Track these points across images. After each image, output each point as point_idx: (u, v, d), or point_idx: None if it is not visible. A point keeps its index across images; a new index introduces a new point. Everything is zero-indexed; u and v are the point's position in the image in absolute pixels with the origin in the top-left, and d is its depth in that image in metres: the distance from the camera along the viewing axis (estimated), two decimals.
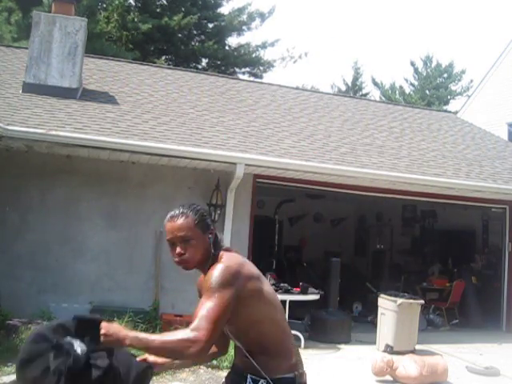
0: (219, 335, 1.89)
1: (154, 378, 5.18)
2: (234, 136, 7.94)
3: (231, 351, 2.22)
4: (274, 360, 2.01)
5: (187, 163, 7.27)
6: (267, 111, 10.01)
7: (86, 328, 1.73)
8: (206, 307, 1.82)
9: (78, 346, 1.71)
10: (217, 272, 1.89)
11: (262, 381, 2.01)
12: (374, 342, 7.14)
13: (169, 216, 2.04)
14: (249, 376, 2.02)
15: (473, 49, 49.23)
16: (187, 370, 5.49)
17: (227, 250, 2.07)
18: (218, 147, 7.21)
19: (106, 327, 1.73)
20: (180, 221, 2.00)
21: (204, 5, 22.11)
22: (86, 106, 7.81)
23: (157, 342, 1.75)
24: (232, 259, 1.97)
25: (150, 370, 1.97)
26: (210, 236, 2.04)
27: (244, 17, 23.06)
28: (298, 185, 8.16)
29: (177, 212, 2.03)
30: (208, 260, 2.01)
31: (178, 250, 1.99)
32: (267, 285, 2.07)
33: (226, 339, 2.16)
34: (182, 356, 1.84)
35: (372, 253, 13.14)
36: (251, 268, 2.02)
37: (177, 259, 2.01)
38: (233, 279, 1.88)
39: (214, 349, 2.12)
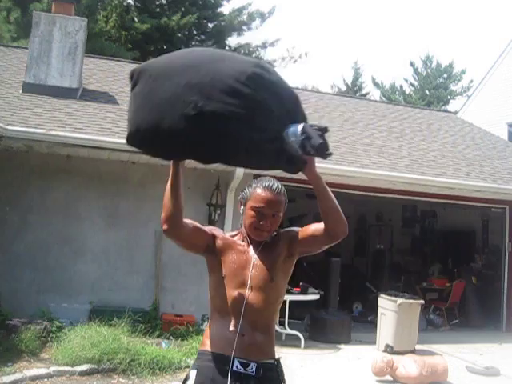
0: None
1: (154, 377, 5.16)
2: None
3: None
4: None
5: (187, 163, 7.23)
6: None
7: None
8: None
9: None
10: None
11: (272, 362, 2.04)
12: (374, 342, 7.14)
13: (267, 186, 2.06)
14: (257, 363, 1.99)
15: (473, 49, 49.26)
16: (187, 369, 5.45)
17: None
18: None
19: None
20: (280, 198, 2.08)
21: (204, 4, 22.08)
22: (86, 105, 7.81)
23: (333, 196, 1.95)
24: None
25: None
26: None
27: (244, 17, 23.05)
28: (298, 185, 8.13)
29: (276, 186, 2.07)
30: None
31: (267, 222, 2.05)
32: None
33: None
34: (335, 222, 2.05)
35: (372, 253, 13.10)
36: None
37: (261, 229, 2.05)
38: None
39: None
